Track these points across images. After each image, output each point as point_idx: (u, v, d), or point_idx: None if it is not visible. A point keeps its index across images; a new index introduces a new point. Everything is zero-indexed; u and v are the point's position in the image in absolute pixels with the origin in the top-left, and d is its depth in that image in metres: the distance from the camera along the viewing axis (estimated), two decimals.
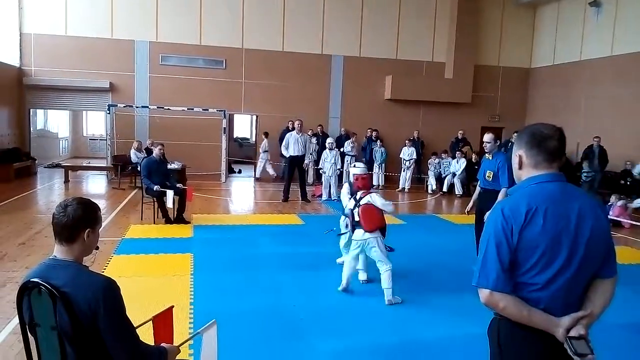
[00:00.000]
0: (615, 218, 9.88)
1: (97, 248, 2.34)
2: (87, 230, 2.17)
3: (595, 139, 13.02)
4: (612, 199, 10.89)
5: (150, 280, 5.69)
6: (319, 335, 4.42)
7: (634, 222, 10.04)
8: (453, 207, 12.61)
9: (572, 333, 1.94)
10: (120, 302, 2.15)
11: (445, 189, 14.43)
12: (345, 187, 6.00)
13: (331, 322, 4.72)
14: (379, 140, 15.26)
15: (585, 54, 15.15)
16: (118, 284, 2.19)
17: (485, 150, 6.38)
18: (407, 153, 15.05)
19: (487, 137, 6.36)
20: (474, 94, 16.73)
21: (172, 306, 2.80)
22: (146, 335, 2.52)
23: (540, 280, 1.95)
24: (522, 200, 1.97)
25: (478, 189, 6.59)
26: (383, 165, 15.17)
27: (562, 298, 1.97)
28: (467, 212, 6.77)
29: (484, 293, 1.98)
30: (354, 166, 5.83)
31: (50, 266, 2.16)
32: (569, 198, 1.99)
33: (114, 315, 2.11)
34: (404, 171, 14.87)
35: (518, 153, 2.09)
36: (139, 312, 4.58)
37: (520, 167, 2.09)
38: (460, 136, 15.57)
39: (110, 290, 2.11)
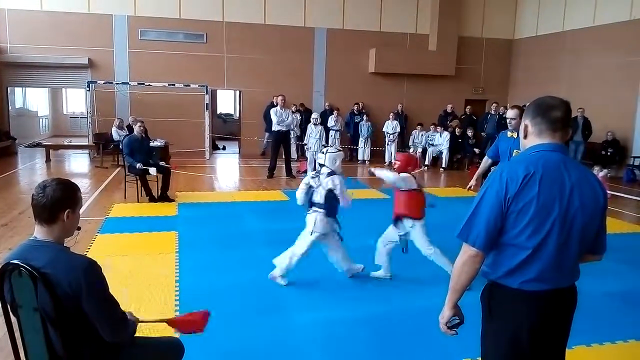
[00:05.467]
0: None
1: (79, 229, 2.33)
2: (66, 211, 2.16)
3: (579, 110, 13.12)
4: (595, 169, 11.05)
5: (135, 259, 5.68)
6: (302, 308, 4.49)
7: (613, 193, 10.21)
8: (436, 180, 12.72)
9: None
10: (103, 281, 2.15)
11: (428, 162, 14.53)
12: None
13: (314, 295, 4.79)
14: (365, 115, 15.23)
15: (568, 25, 15.16)
16: (100, 264, 2.19)
17: (509, 127, 5.59)
18: (391, 126, 15.07)
19: (512, 112, 5.51)
20: (457, 66, 16.70)
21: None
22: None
23: (531, 244, 2.01)
24: (521, 165, 2.04)
25: (485, 165, 6.05)
26: (369, 139, 15.16)
27: (553, 265, 2.04)
28: (471, 188, 6.10)
29: (463, 246, 2.09)
30: (328, 152, 5.02)
31: (30, 247, 2.15)
32: (566, 167, 2.05)
33: (97, 295, 2.11)
34: (388, 145, 14.90)
35: (524, 122, 2.18)
36: (125, 290, 4.59)
37: (525, 137, 2.17)
38: (449, 110, 15.59)
39: (91, 271, 2.10)
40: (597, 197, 2.09)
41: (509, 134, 5.67)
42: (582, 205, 2.03)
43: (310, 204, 4.99)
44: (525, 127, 2.16)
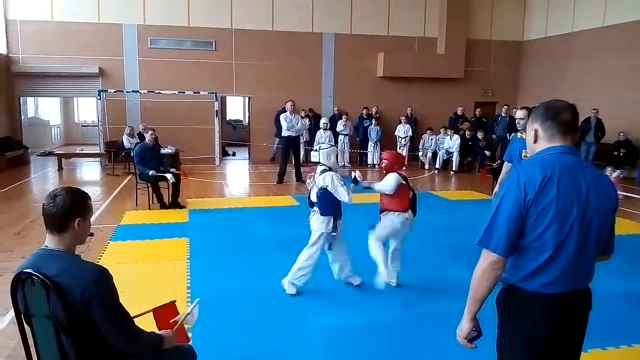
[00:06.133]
0: None
1: (92, 234, 2.35)
2: (77, 220, 2.17)
3: (592, 111, 12.99)
4: (608, 170, 10.92)
5: (147, 266, 5.71)
6: (313, 313, 4.48)
7: (626, 194, 10.09)
8: (447, 183, 12.66)
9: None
10: (113, 290, 2.16)
11: (438, 165, 14.48)
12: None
13: (325, 301, 4.77)
14: (373, 119, 15.22)
15: (577, 26, 15.06)
16: (112, 271, 2.21)
17: (519, 128, 5.64)
18: (403, 130, 15.06)
19: (521, 113, 5.58)
20: (466, 69, 16.64)
21: (174, 301, 2.79)
22: (148, 326, 2.54)
23: (551, 246, 2.00)
24: (537, 168, 2.03)
25: (506, 169, 6.00)
26: (378, 144, 15.15)
27: (572, 267, 2.04)
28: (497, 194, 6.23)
29: (483, 252, 2.06)
30: (321, 148, 5.01)
31: (42, 256, 2.17)
32: (581, 169, 2.06)
33: (107, 303, 2.12)
34: (399, 149, 14.86)
35: (533, 127, 2.16)
36: (137, 297, 4.61)
37: (535, 141, 2.16)
38: (460, 112, 15.56)
39: (102, 279, 2.12)
40: (611, 197, 2.12)
41: (519, 134, 5.67)
42: (598, 206, 2.04)
43: (311, 204, 4.95)
44: (535, 131, 2.15)
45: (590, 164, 2.24)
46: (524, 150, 5.48)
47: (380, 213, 5.06)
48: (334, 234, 4.83)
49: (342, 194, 4.68)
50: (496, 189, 5.93)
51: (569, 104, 2.13)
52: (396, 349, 3.86)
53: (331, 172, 4.80)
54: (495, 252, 2.01)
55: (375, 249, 4.92)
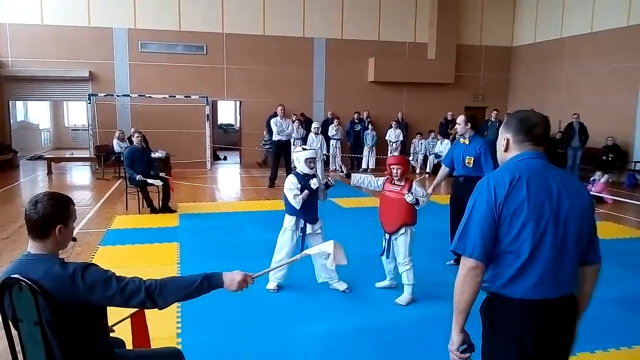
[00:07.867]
0: (597, 194, 10.02)
1: (75, 240, 2.33)
2: (58, 227, 2.14)
3: (574, 116, 13.15)
4: (596, 175, 11.01)
5: (137, 271, 5.59)
6: (307, 318, 4.48)
7: (615, 198, 10.19)
8: (437, 187, 12.69)
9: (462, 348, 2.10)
10: (102, 271, 2.14)
11: (429, 169, 14.55)
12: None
13: (317, 305, 4.77)
14: (369, 124, 15.27)
15: (566, 31, 15.21)
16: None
17: (457, 133, 5.79)
18: (394, 135, 15.13)
19: (460, 118, 5.78)
20: (456, 74, 16.75)
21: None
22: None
23: (527, 248, 2.00)
24: (506, 171, 2.07)
25: (443, 173, 6.15)
26: (374, 148, 15.20)
27: (552, 269, 2.03)
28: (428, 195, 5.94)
29: (462, 260, 2.06)
30: (293, 151, 5.18)
31: (25, 262, 2.14)
32: (550, 172, 2.09)
33: (101, 293, 2.09)
34: (391, 153, 14.91)
35: (505, 136, 2.19)
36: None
37: (506, 150, 2.19)
38: (450, 117, 15.65)
39: (86, 268, 2.11)
40: (583, 195, 2.12)
41: (462, 140, 5.79)
42: (572, 206, 2.05)
43: None
44: (507, 141, 2.18)
45: (559, 168, 2.26)
46: (467, 157, 5.64)
47: (398, 229, 4.83)
48: (300, 233, 4.97)
49: (290, 198, 4.86)
50: (429, 190, 5.78)
51: (542, 117, 2.16)
52: (390, 354, 3.86)
53: (290, 176, 4.98)
54: (472, 257, 2.02)
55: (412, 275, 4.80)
